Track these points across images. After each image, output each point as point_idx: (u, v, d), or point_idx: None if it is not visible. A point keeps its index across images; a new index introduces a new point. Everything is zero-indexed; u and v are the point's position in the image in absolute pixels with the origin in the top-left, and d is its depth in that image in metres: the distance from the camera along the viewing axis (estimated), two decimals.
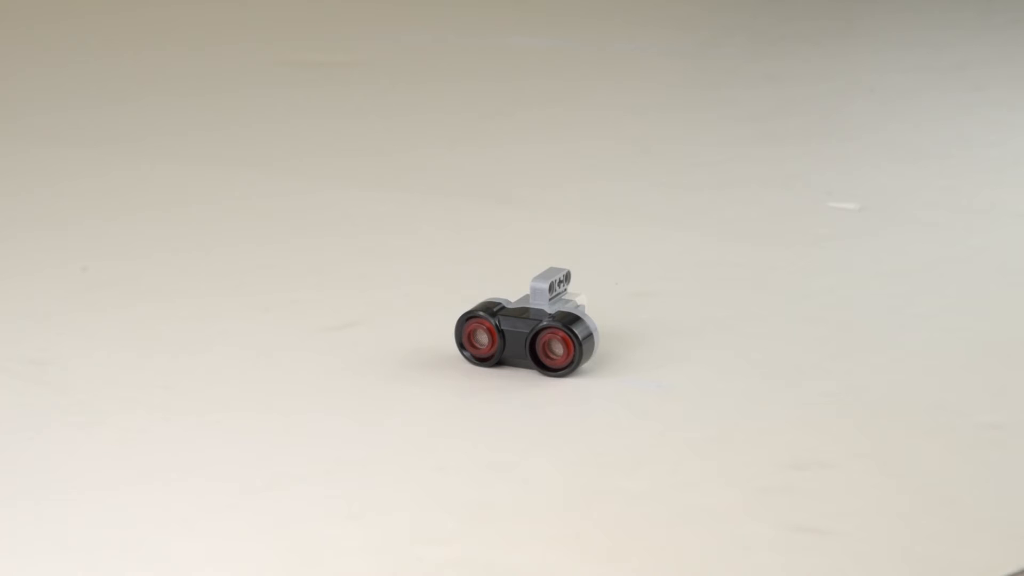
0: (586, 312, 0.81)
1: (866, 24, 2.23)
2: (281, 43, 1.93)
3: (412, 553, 0.63)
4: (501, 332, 0.81)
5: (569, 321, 0.80)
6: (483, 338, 0.81)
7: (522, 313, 0.81)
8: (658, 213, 1.15)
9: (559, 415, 0.77)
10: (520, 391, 0.80)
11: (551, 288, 0.81)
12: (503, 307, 0.81)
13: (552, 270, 0.83)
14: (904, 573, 0.62)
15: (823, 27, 2.18)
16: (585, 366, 0.81)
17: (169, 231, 1.10)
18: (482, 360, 0.81)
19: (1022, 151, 1.41)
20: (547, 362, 0.80)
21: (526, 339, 0.80)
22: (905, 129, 1.48)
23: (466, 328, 0.81)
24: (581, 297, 0.83)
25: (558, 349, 0.80)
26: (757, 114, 1.55)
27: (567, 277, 0.83)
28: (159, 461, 0.71)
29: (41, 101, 1.57)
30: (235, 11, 2.11)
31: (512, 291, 0.84)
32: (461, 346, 0.82)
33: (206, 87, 1.65)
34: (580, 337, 0.79)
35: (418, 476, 0.70)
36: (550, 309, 0.81)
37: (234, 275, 0.99)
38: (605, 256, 0.87)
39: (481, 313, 0.81)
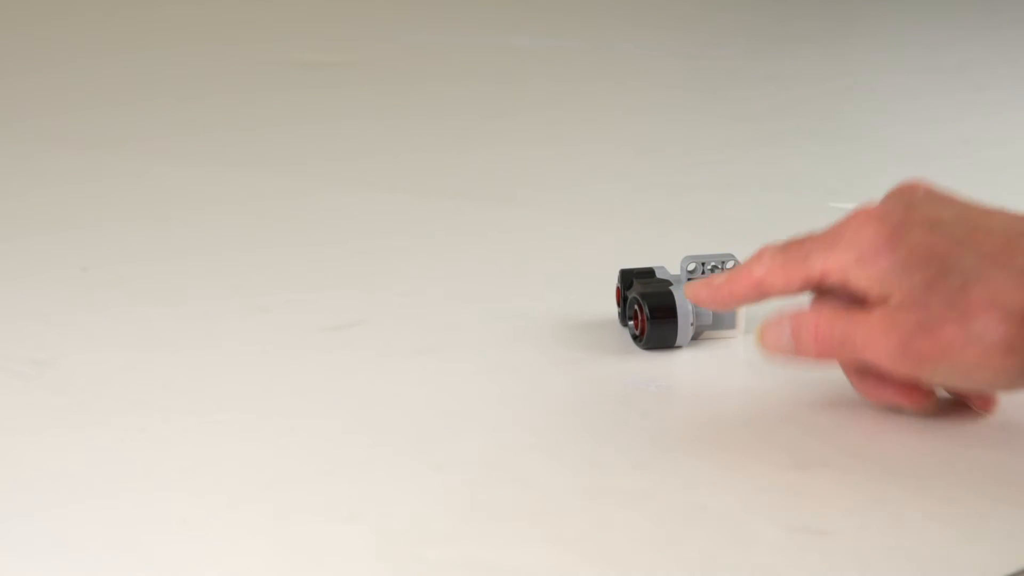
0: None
1: (866, 24, 2.23)
2: (281, 43, 1.93)
3: (412, 553, 0.63)
4: (625, 297, 0.85)
5: (654, 297, 0.82)
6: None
7: (650, 280, 0.85)
8: (658, 213, 1.15)
9: (558, 415, 0.77)
10: (519, 392, 0.80)
11: (691, 268, 0.84)
12: (647, 273, 0.85)
13: (712, 256, 0.84)
14: (904, 573, 0.62)
15: (823, 27, 2.18)
16: (586, 366, 0.81)
17: (169, 231, 1.10)
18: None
19: (1022, 151, 1.41)
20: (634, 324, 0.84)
21: (626, 300, 0.85)
22: (905, 129, 1.48)
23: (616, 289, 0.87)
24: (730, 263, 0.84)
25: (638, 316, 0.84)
26: (757, 114, 1.55)
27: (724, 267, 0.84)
28: (159, 461, 0.71)
29: (41, 101, 1.57)
30: (235, 11, 2.11)
31: (512, 291, 0.84)
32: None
33: (206, 87, 1.65)
34: (650, 314, 0.82)
35: (418, 476, 0.70)
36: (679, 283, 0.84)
37: (234, 275, 0.99)
38: (605, 256, 0.87)
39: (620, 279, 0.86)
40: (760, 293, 0.76)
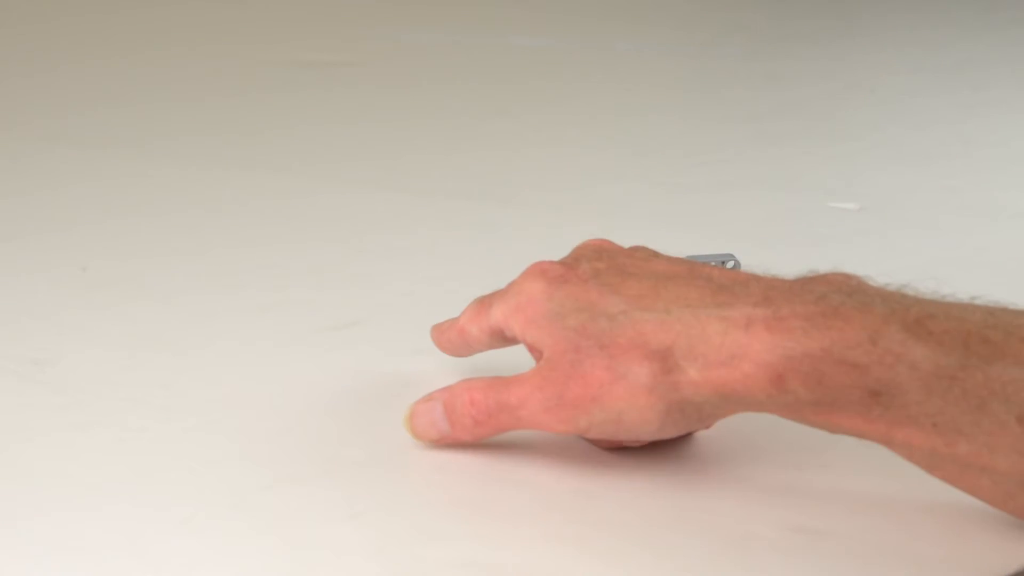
0: None
1: (866, 24, 2.23)
2: (281, 43, 1.93)
3: (412, 553, 0.63)
4: None
5: None
6: None
7: None
8: (658, 213, 1.16)
9: None
10: None
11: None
12: None
13: (712, 256, 0.83)
14: (904, 573, 0.62)
15: (823, 27, 2.18)
16: None
17: (169, 231, 1.10)
18: None
19: (1022, 151, 1.41)
20: None
21: None
22: (905, 129, 1.48)
23: None
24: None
25: None
26: (757, 114, 1.55)
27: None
28: (159, 461, 0.71)
29: (41, 101, 1.58)
30: (235, 11, 2.11)
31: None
32: None
33: (206, 87, 1.66)
34: None
35: (418, 476, 0.70)
36: None
37: (233, 275, 0.99)
38: None
39: None
40: (464, 341, 0.78)
